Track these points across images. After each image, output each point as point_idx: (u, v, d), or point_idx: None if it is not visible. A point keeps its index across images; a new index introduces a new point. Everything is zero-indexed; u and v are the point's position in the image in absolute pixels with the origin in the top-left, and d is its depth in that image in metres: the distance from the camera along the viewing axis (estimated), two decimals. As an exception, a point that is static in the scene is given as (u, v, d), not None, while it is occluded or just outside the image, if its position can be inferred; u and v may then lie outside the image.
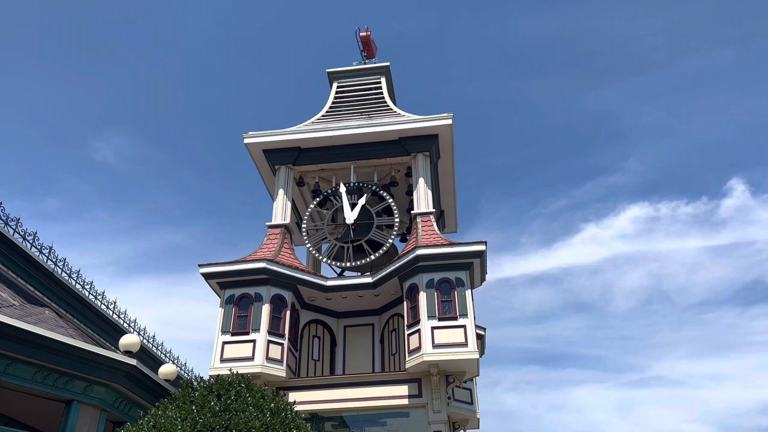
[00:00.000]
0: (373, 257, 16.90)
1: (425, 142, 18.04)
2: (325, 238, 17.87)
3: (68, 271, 17.28)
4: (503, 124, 65.32)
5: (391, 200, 17.76)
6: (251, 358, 14.83)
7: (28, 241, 15.75)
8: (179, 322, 56.16)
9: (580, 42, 62.02)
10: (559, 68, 63.17)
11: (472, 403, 17.54)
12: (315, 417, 14.87)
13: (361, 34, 22.32)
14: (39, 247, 16.15)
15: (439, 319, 14.67)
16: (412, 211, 17.69)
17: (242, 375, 10.27)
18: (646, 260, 59.98)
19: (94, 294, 18.45)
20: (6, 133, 52.88)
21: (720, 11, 57.42)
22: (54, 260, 16.67)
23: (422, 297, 15.01)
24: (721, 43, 58.30)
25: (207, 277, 15.99)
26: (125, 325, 19.76)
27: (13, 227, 15.28)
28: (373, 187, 18.10)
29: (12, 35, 51.64)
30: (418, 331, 14.72)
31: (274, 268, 15.78)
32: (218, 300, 16.04)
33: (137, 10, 57.14)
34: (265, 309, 15.44)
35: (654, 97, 61.49)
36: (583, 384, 59.53)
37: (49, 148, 57.70)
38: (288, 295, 15.98)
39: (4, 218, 15.01)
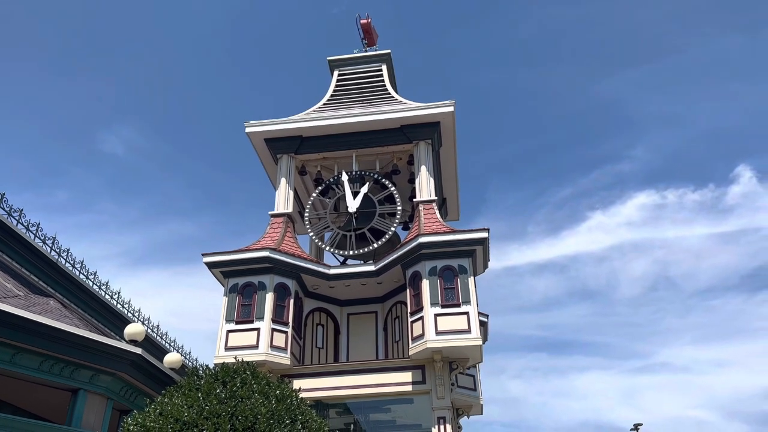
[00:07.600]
0: (375, 245, 16.94)
1: (427, 130, 18.01)
2: (328, 226, 17.90)
3: (72, 262, 17.33)
4: (510, 113, 65.13)
5: (393, 188, 17.76)
6: (255, 347, 14.92)
7: (31, 231, 15.78)
8: (187, 313, 56.46)
9: (588, 30, 61.65)
10: (567, 56, 62.85)
11: (475, 389, 17.66)
12: (319, 404, 14.96)
13: (361, 21, 22.23)
14: (42, 238, 16.19)
15: (442, 306, 14.73)
16: (414, 199, 17.69)
17: (247, 362, 10.33)
18: (653, 247, 60.04)
19: (98, 284, 18.52)
20: (15, 127, 52.92)
21: (726, -3, 56.95)
22: (57, 251, 16.70)
23: (425, 284, 15.06)
24: (730, 31, 57.91)
25: (210, 266, 16.05)
26: (129, 314, 19.84)
27: (16, 218, 15.31)
28: (375, 176, 18.10)
29: (21, 30, 51.48)
30: (422, 318, 14.79)
31: (277, 256, 15.83)
32: (223, 289, 16.10)
33: (142, 5, 56.88)
34: (269, 297, 15.50)
35: (662, 84, 61.15)
36: (588, 371, 59.84)
37: (57, 141, 57.83)
38: (291, 284, 16.04)
39: (6, 209, 15.05)
